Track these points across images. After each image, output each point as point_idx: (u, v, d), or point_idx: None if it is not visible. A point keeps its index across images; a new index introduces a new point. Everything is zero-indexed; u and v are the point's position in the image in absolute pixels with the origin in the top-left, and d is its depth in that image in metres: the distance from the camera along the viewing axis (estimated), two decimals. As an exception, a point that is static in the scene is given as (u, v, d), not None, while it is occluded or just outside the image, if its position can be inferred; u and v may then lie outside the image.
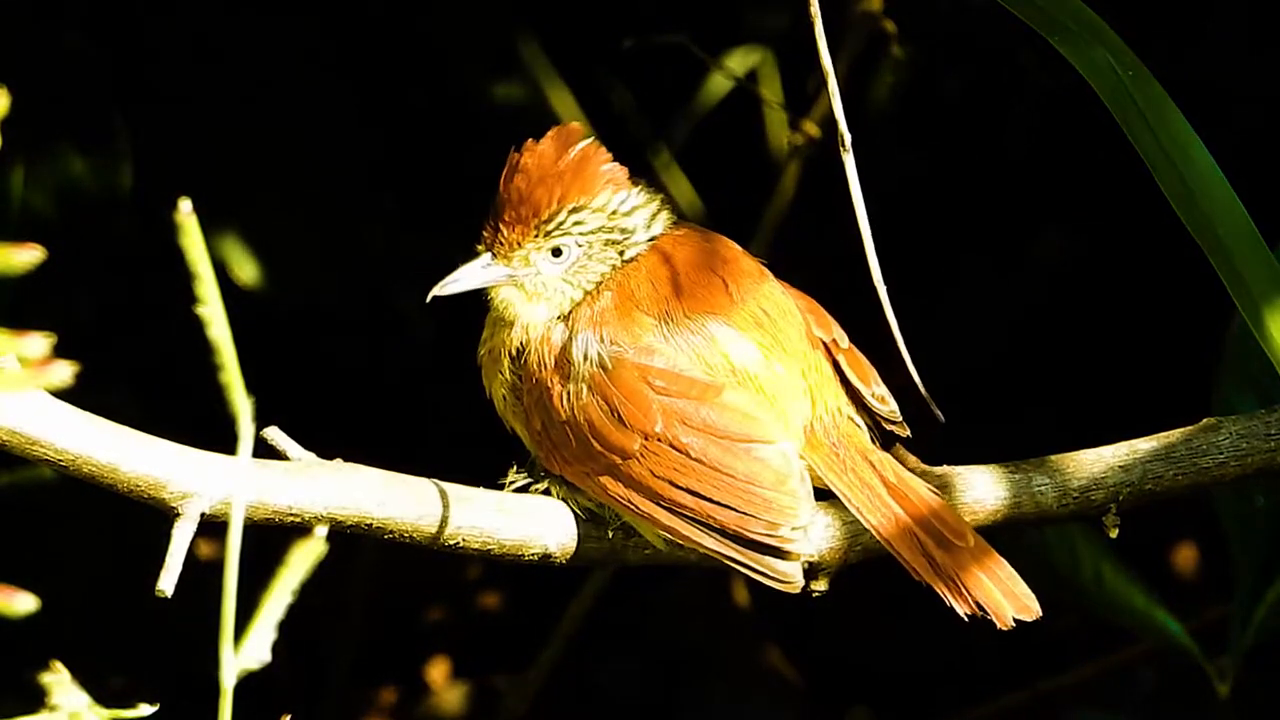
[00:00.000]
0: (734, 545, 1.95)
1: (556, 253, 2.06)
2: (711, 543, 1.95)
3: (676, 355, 1.99)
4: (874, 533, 1.96)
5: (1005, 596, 1.93)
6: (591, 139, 2.08)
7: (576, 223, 2.06)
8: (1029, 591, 1.93)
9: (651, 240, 2.07)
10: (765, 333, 2.02)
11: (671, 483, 1.96)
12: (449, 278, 2.08)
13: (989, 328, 3.55)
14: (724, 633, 3.54)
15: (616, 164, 2.08)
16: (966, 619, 1.94)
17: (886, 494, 1.97)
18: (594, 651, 3.50)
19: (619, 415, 1.97)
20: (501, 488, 2.04)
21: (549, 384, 2.01)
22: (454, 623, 3.63)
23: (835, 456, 1.99)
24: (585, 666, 3.50)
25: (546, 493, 2.04)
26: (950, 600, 1.93)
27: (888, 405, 2.06)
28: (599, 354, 2.00)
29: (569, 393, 2.00)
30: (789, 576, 1.95)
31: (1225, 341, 2.72)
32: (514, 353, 2.06)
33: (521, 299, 2.07)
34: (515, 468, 2.06)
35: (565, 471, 2.01)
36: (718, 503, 1.95)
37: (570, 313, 2.04)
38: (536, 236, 2.05)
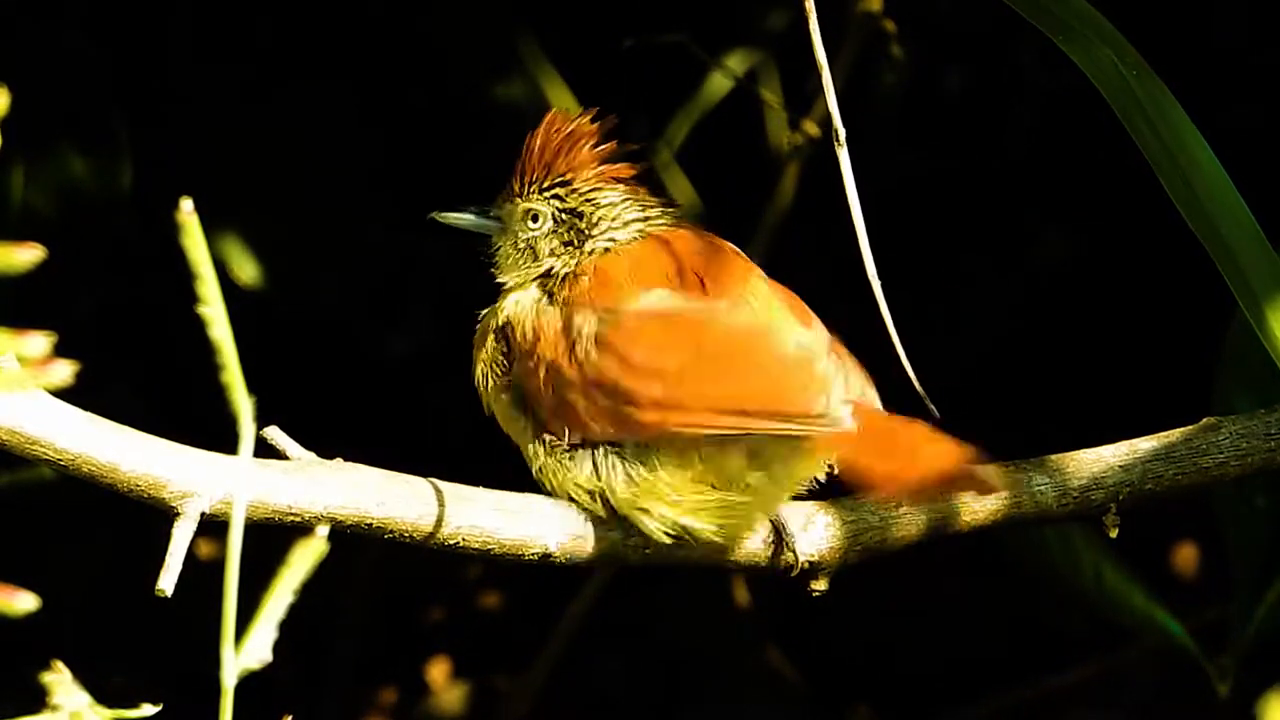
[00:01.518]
0: (776, 421, 1.95)
1: (535, 218, 2.10)
2: (768, 425, 1.95)
3: (670, 298, 2.01)
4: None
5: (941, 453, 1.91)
6: (613, 137, 2.11)
7: (555, 195, 2.09)
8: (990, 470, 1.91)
9: (632, 240, 2.09)
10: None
11: (697, 389, 1.96)
12: (456, 213, 2.15)
13: (989, 327, 3.55)
14: (724, 633, 3.54)
15: (628, 164, 2.11)
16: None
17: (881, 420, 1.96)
18: (594, 651, 3.50)
19: (634, 361, 1.97)
20: (501, 488, 2.04)
21: (557, 357, 2.02)
22: (454, 623, 3.63)
23: None
24: (585, 666, 3.50)
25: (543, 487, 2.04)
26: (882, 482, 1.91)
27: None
28: (599, 318, 2.01)
29: (578, 357, 2.00)
30: (837, 423, 1.93)
31: (1225, 341, 2.72)
32: (497, 329, 2.08)
33: (508, 258, 2.13)
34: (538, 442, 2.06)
35: (609, 427, 2.00)
36: (753, 395, 1.95)
37: (558, 293, 2.06)
38: (525, 196, 2.11)
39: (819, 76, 2.05)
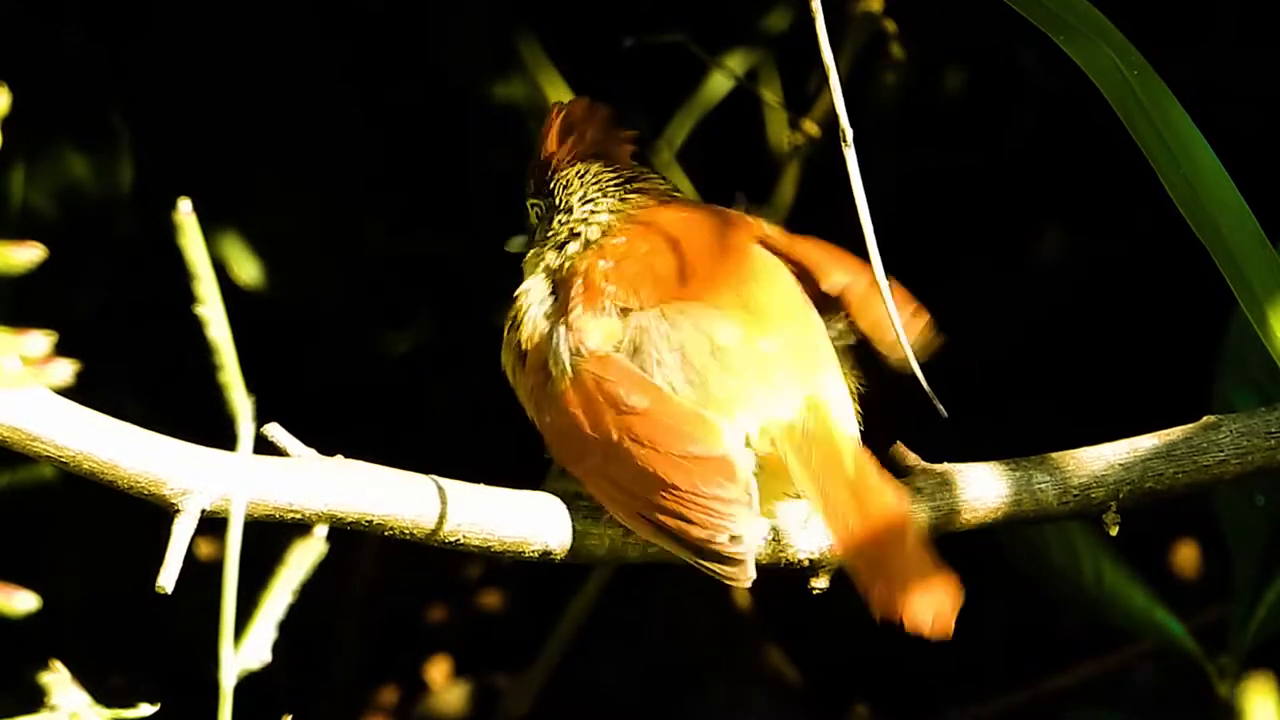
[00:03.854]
0: (682, 548, 1.95)
1: (538, 214, 2.13)
2: (666, 543, 1.96)
3: (642, 355, 1.99)
4: (822, 524, 1.94)
5: (927, 609, 1.90)
6: (576, 115, 2.13)
7: (545, 188, 2.12)
8: (950, 611, 1.89)
9: (618, 220, 2.08)
10: (749, 313, 2.01)
11: (628, 488, 1.96)
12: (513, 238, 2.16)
13: (990, 326, 3.55)
14: (724, 632, 3.54)
15: (591, 142, 2.12)
16: (877, 621, 1.92)
17: (845, 490, 1.94)
18: (594, 651, 3.49)
19: (586, 422, 1.97)
20: (503, 486, 2.04)
21: (539, 381, 2.02)
22: (454, 622, 3.63)
23: (804, 447, 1.96)
24: (586, 666, 3.50)
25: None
26: (869, 598, 1.91)
27: (896, 351, 2.02)
28: (567, 360, 2.00)
29: (553, 393, 2.00)
30: (735, 578, 1.94)
31: (1225, 341, 2.72)
32: (508, 324, 2.09)
33: (528, 261, 2.13)
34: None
35: (566, 465, 2.02)
36: (664, 510, 1.94)
37: (553, 294, 2.05)
38: (531, 194, 2.14)
39: (821, 76, 2.05)
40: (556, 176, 2.11)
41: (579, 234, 2.08)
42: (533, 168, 2.13)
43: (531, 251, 2.11)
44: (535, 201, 2.12)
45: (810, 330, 2.04)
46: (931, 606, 1.89)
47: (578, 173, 2.11)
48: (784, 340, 2.01)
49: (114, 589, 3.17)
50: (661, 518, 1.95)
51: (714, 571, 1.95)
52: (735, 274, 2.03)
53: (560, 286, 2.06)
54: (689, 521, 1.94)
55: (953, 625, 1.90)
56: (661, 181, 2.14)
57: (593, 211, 2.09)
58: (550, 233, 2.09)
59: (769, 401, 1.98)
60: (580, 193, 2.10)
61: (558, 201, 2.10)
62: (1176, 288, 3.40)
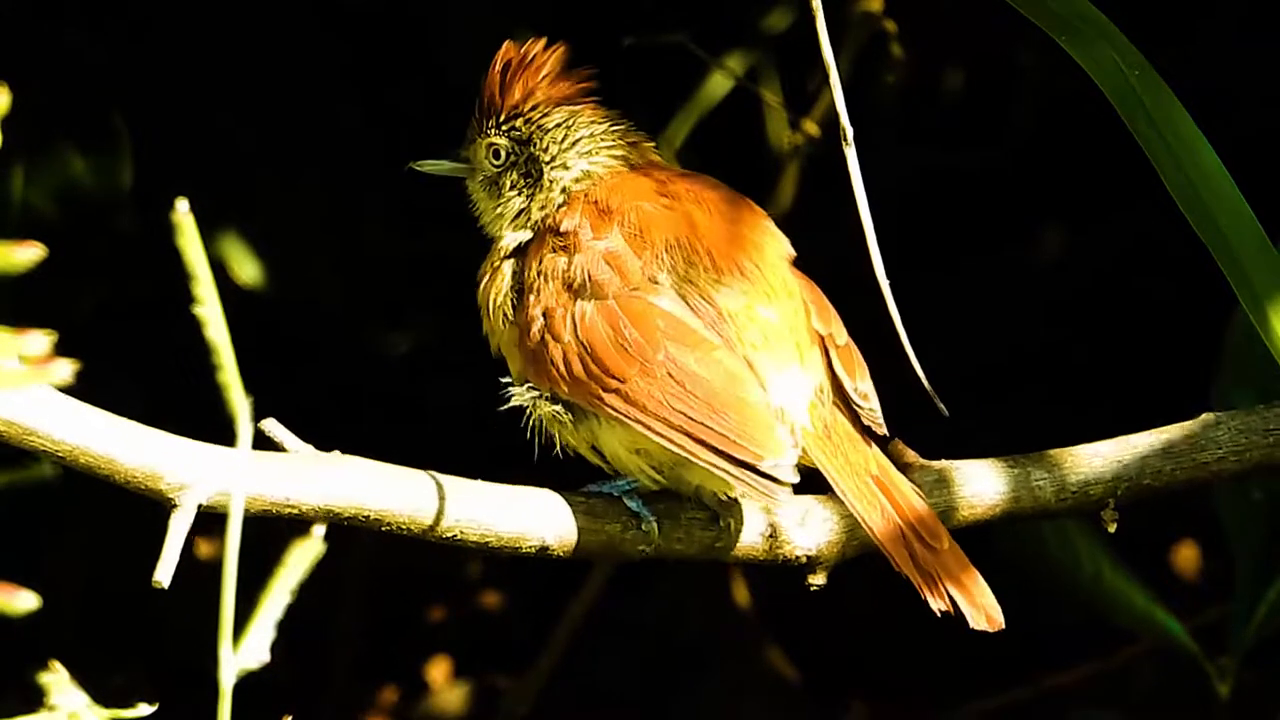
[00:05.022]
0: (724, 460, 1.93)
1: (496, 154, 2.09)
2: (705, 455, 1.94)
3: (674, 302, 1.99)
4: (860, 520, 1.93)
5: (976, 601, 1.91)
6: (557, 57, 2.11)
7: (513, 127, 2.08)
8: (995, 603, 1.91)
9: (611, 168, 2.08)
10: (751, 283, 2.01)
11: (668, 403, 1.94)
12: (432, 161, 2.13)
13: (990, 324, 3.55)
14: (723, 630, 3.54)
15: (580, 86, 2.11)
16: (939, 615, 1.92)
17: (874, 485, 1.95)
18: (594, 650, 3.50)
19: (623, 341, 1.96)
20: (499, 480, 2.03)
21: (554, 305, 2.00)
22: (454, 622, 3.63)
23: (827, 438, 1.97)
24: (585, 665, 3.50)
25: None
26: (926, 594, 1.91)
27: (869, 402, 2.02)
28: (606, 280, 1.99)
29: (574, 315, 1.98)
30: (774, 492, 1.92)
31: (1225, 339, 2.72)
32: (506, 265, 2.07)
33: (481, 199, 2.11)
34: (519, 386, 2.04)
35: (572, 394, 2.00)
36: (707, 425, 1.93)
37: (561, 232, 2.04)
38: (485, 133, 2.09)
39: (821, 76, 2.05)
40: (533, 120, 2.09)
41: (553, 177, 2.07)
42: (489, 101, 2.10)
43: (504, 200, 2.10)
44: (495, 142, 2.10)
45: (805, 313, 2.04)
46: (985, 600, 1.90)
47: (562, 120, 2.10)
48: (785, 315, 2.01)
49: (114, 589, 3.18)
50: (702, 434, 1.92)
51: (753, 485, 1.92)
52: (737, 251, 2.03)
53: (565, 233, 2.04)
54: (735, 442, 1.92)
55: (1001, 617, 1.90)
56: (646, 137, 2.14)
57: (590, 165, 2.08)
58: (532, 182, 2.08)
59: (791, 375, 1.98)
60: (573, 141, 2.09)
61: (540, 148, 2.08)
62: (1176, 287, 3.40)
